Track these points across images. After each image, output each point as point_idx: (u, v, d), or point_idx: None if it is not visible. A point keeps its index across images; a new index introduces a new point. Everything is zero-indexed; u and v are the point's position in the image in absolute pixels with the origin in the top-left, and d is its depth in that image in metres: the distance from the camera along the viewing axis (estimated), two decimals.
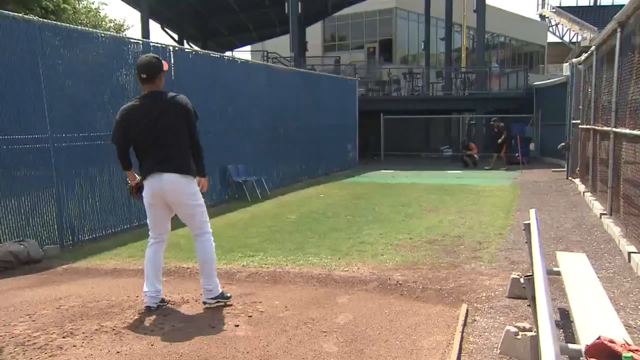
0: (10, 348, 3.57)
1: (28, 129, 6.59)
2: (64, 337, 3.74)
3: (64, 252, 6.77)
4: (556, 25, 48.34)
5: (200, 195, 4.44)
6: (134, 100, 4.40)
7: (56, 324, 4.02)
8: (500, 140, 17.32)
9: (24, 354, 3.48)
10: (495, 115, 18.94)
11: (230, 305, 4.43)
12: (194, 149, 4.44)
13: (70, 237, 7.18)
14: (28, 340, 3.69)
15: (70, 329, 3.91)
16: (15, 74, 6.48)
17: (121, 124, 4.32)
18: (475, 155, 18.34)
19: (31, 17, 7.00)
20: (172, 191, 4.29)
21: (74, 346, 3.59)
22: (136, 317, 4.18)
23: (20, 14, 7.02)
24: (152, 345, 3.62)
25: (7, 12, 6.70)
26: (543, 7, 49.71)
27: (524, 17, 41.58)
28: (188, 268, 5.81)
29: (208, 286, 4.41)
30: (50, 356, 3.43)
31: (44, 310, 4.36)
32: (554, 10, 48.27)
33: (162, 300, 4.46)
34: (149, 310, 4.31)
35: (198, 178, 4.45)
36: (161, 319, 4.13)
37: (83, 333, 3.84)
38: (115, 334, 3.83)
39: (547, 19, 48.53)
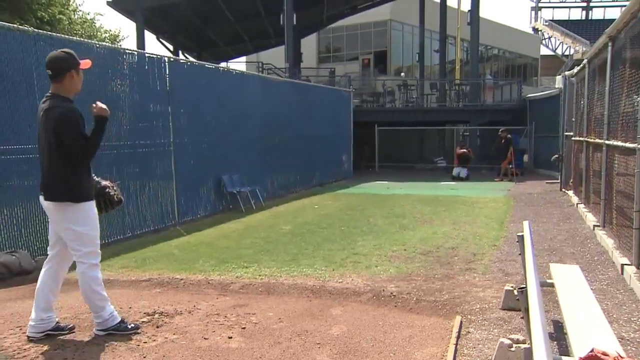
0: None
1: (21, 138, 6.56)
2: (55, 350, 3.71)
3: None
4: (549, 38, 48.87)
5: (88, 221, 3.89)
6: (43, 98, 3.97)
7: (47, 336, 3.98)
8: (509, 152, 17.17)
9: None
10: (489, 127, 18.99)
11: (137, 333, 4.04)
12: (76, 165, 3.83)
13: None
14: (18, 353, 3.66)
15: (62, 341, 3.88)
16: (11, 84, 6.47)
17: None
18: (464, 173, 18.06)
19: (26, 27, 7.00)
20: (51, 218, 3.98)
21: (65, 359, 3.56)
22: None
23: (15, 25, 7.01)
24: (144, 357, 3.59)
25: (1, 22, 6.71)
26: (536, 20, 50.32)
27: (518, 30, 42.04)
28: (182, 279, 5.79)
29: (96, 319, 4.00)
30: None
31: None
32: (547, 23, 48.84)
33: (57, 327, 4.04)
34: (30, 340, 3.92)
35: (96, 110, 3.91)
36: (154, 331, 4.11)
37: (75, 345, 3.81)
38: (107, 346, 3.80)
39: (540, 32, 49.07)
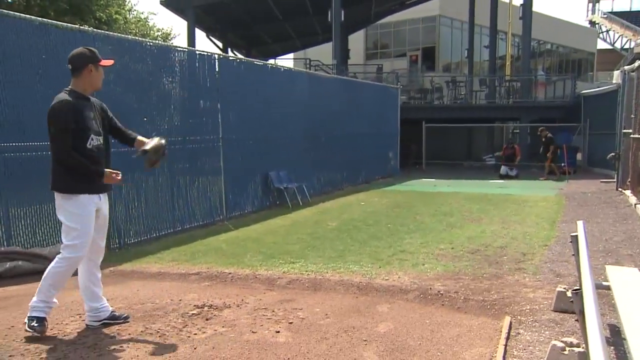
0: (62, 346, 3.70)
1: None
2: (111, 338, 3.85)
3: (110, 255, 6.94)
4: (607, 31, 46.99)
5: (74, 214, 3.86)
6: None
7: (104, 324, 4.14)
8: (550, 151, 16.75)
9: (75, 352, 3.60)
10: (540, 124, 18.48)
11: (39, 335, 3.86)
12: (64, 167, 3.86)
13: (116, 240, 7.38)
14: (79, 339, 3.82)
15: (117, 330, 4.02)
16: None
17: None
18: (513, 172, 17.65)
19: (86, 28, 7.27)
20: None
21: (121, 347, 3.69)
22: (179, 320, 4.26)
23: (76, 25, 7.30)
24: (195, 348, 3.68)
25: (67, 24, 7.01)
26: (593, 13, 48.45)
27: (572, 24, 40.64)
28: (230, 273, 5.89)
29: (34, 302, 3.90)
30: (98, 355, 3.54)
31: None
32: (605, 16, 46.96)
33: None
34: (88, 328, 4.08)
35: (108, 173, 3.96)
36: (203, 323, 4.20)
37: (129, 334, 3.94)
38: (159, 336, 3.91)
39: (597, 25, 47.24)
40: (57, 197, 3.92)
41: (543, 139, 17.06)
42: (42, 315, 3.88)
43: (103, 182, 3.96)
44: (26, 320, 3.87)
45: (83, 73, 3.91)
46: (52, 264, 3.93)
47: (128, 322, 4.18)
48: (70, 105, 3.80)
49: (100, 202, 4.04)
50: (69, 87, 3.94)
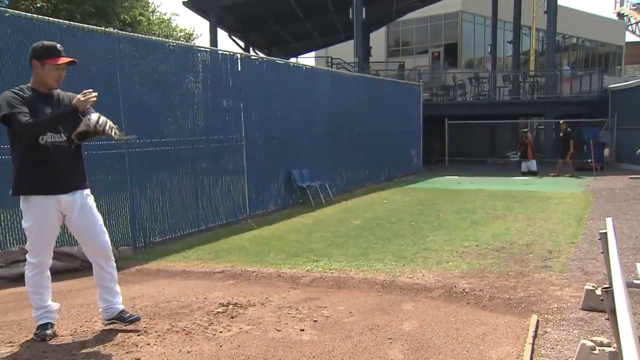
0: (92, 343, 3.77)
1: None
2: (138, 335, 3.91)
3: (136, 254, 7.07)
4: (636, 23, 45.90)
5: (28, 216, 3.74)
6: None
7: (112, 323, 4.18)
8: (570, 145, 16.49)
9: (104, 349, 3.66)
10: (564, 119, 18.19)
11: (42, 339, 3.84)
12: (36, 132, 3.62)
13: (142, 239, 7.48)
14: (106, 337, 3.88)
15: (144, 327, 4.08)
16: (97, 84, 6.86)
17: None
18: (534, 167, 17.38)
19: (111, 29, 7.38)
20: None
21: (148, 344, 3.74)
22: (205, 318, 4.30)
23: (102, 27, 7.41)
24: (220, 346, 3.71)
25: (93, 27, 7.13)
26: (621, 5, 47.30)
27: (599, 17, 39.82)
28: (254, 272, 5.93)
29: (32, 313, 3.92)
30: (126, 352, 3.60)
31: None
32: (634, 7, 45.83)
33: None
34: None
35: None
36: (229, 321, 4.24)
37: (156, 332, 3.99)
38: (185, 334, 3.96)
39: (625, 18, 46.16)
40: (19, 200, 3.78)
41: (561, 133, 16.77)
42: (44, 321, 3.87)
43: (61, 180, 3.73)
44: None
45: (32, 68, 3.74)
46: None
47: (136, 324, 4.04)
48: (10, 94, 3.59)
49: (63, 205, 3.79)
50: (30, 83, 3.78)
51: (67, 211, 3.81)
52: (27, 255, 3.84)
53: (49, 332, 3.85)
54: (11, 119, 3.53)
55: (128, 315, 4.06)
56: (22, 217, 3.82)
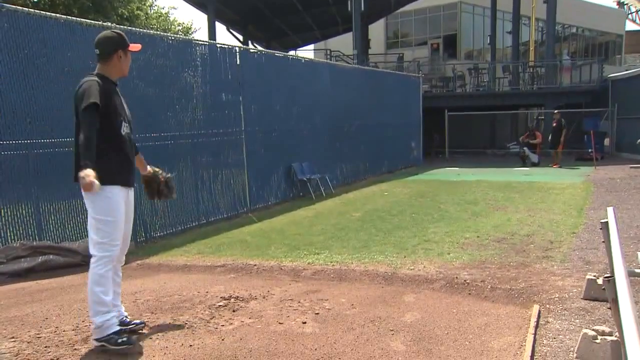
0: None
1: None
2: (140, 330, 3.91)
3: (137, 248, 7.07)
4: (637, 12, 45.68)
5: (107, 207, 3.52)
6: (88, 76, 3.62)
7: (133, 316, 4.19)
8: (563, 135, 16.46)
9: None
10: (566, 110, 18.15)
11: (125, 352, 3.49)
12: (80, 142, 3.37)
13: (143, 234, 7.48)
14: None
15: (146, 322, 4.08)
16: None
17: None
18: (536, 158, 17.35)
19: (108, 24, 7.35)
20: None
21: (151, 338, 3.75)
22: (206, 312, 4.31)
23: (99, 22, 7.39)
24: (222, 339, 3.72)
25: (90, 21, 7.10)
26: None
27: (599, 6, 39.60)
28: (255, 265, 5.93)
29: (93, 324, 3.53)
30: (128, 347, 3.60)
31: (122, 303, 4.56)
32: None
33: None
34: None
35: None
36: (230, 315, 4.24)
37: (158, 326, 4.00)
38: (187, 328, 3.96)
39: (625, 6, 45.92)
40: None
41: (554, 124, 16.69)
42: (117, 328, 3.55)
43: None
44: (97, 342, 3.51)
45: (112, 58, 3.64)
46: (89, 276, 3.53)
47: (141, 328, 3.87)
48: (98, 85, 3.46)
49: (129, 198, 3.79)
50: (95, 72, 3.65)
51: (127, 205, 3.74)
52: (96, 251, 3.50)
53: (134, 338, 3.62)
54: (91, 110, 3.36)
55: (130, 320, 3.88)
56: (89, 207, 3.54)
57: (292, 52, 26.20)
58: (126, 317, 3.88)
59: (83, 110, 3.36)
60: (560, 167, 16.09)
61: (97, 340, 3.50)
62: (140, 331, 3.87)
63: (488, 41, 27.93)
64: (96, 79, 3.54)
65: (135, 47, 3.78)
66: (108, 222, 3.52)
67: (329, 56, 24.23)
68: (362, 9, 20.25)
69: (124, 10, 20.87)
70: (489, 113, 22.41)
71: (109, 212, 3.52)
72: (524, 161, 17.06)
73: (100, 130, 3.40)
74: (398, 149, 16.79)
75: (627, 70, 20.78)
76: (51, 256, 5.97)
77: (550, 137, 16.99)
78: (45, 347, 3.62)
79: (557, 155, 16.62)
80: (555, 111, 17.22)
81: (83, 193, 3.38)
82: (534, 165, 16.93)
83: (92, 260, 3.51)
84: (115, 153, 3.59)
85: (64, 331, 3.91)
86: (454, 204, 9.62)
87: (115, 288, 3.76)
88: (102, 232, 3.52)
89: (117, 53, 3.65)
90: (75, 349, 3.58)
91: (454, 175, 14.88)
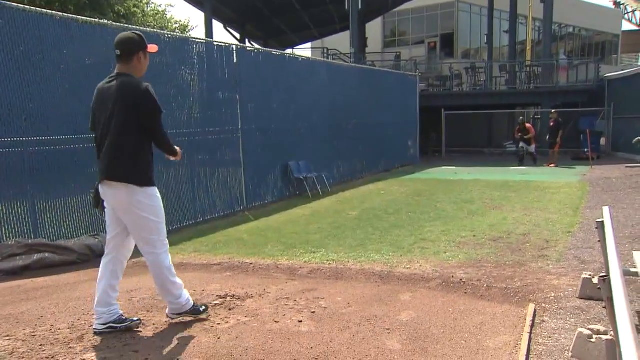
0: (89, 336, 3.76)
1: None
2: (136, 328, 3.90)
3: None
4: (633, 12, 45.80)
5: (156, 207, 3.77)
6: (105, 79, 3.80)
7: (129, 314, 4.18)
8: (560, 135, 16.46)
9: (101, 341, 3.66)
10: (563, 109, 18.17)
11: (206, 319, 4.03)
12: (159, 149, 3.82)
13: None
14: (106, 329, 3.87)
15: (142, 320, 4.07)
16: (94, 76, 6.82)
17: (91, 107, 3.84)
18: (533, 148, 17.25)
19: (105, 21, 7.33)
20: (116, 202, 3.71)
21: (146, 337, 3.74)
22: (208, 307, 4.29)
23: (96, 20, 7.36)
24: (218, 338, 3.71)
25: (87, 18, 7.08)
26: None
27: (595, 5, 39.67)
28: (251, 263, 5.93)
29: (169, 304, 3.96)
30: (124, 345, 3.59)
31: (118, 302, 4.55)
32: None
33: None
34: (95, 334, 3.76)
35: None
36: (227, 313, 4.24)
37: (154, 324, 3.99)
38: (183, 326, 3.95)
39: (622, 6, 46.02)
40: (136, 191, 3.64)
41: (552, 123, 16.67)
42: (188, 304, 3.99)
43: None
44: (175, 315, 3.97)
45: (133, 60, 3.74)
46: (151, 270, 3.88)
47: (137, 325, 3.90)
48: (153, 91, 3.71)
49: None
50: (119, 72, 3.74)
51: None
52: (156, 249, 3.81)
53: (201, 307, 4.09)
54: (157, 118, 3.73)
55: (126, 317, 3.91)
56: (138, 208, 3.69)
57: (289, 51, 26.16)
58: (122, 315, 3.88)
59: (157, 115, 3.73)
60: (557, 166, 16.12)
61: (180, 314, 3.96)
62: (136, 329, 3.87)
63: (485, 40, 27.96)
64: (142, 81, 3.73)
65: (152, 48, 3.87)
66: (160, 220, 3.81)
67: (326, 55, 24.21)
68: (360, 7, 20.25)
69: (120, 8, 20.79)
70: (486, 112, 22.44)
71: (160, 210, 3.80)
72: (521, 161, 17.05)
73: (142, 133, 3.67)
74: (395, 148, 16.80)
75: (623, 70, 20.82)
76: (47, 254, 5.95)
77: (547, 137, 16.99)
78: (40, 345, 3.61)
79: (554, 154, 16.65)
80: (553, 111, 17.23)
81: (135, 195, 3.65)
82: (533, 158, 16.86)
83: (154, 258, 3.82)
84: (151, 156, 3.82)
85: (59, 329, 3.90)
86: (450, 203, 9.63)
87: (115, 282, 3.88)
88: (158, 230, 3.79)
89: (137, 54, 3.76)
90: (70, 347, 3.57)
91: (450, 174, 14.90)
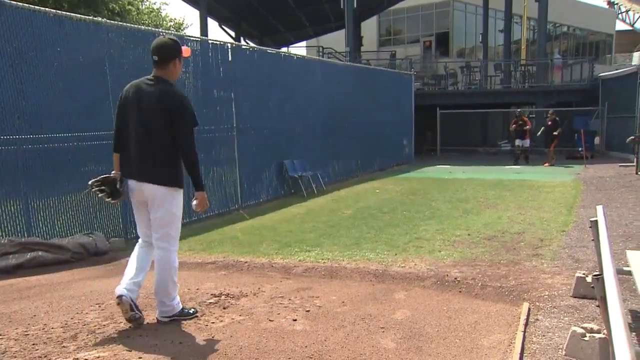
0: (83, 335, 3.75)
1: (97, 125, 6.89)
2: (130, 327, 3.89)
3: (128, 245, 7.01)
4: (626, 12, 45.98)
5: (179, 207, 4.00)
6: (139, 80, 3.96)
7: (120, 314, 4.17)
8: (556, 133, 16.52)
9: (95, 340, 3.64)
10: (557, 108, 18.21)
11: (195, 317, 4.06)
12: (184, 159, 3.91)
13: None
14: (98, 328, 3.87)
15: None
16: (87, 74, 6.80)
17: (120, 101, 3.98)
18: (527, 142, 17.21)
19: (99, 19, 7.30)
20: (153, 198, 3.89)
21: (140, 336, 3.73)
22: (197, 309, 4.28)
23: (90, 17, 7.32)
24: (212, 337, 3.71)
25: (81, 16, 7.04)
26: None
27: (590, 5, 39.78)
28: (246, 262, 5.92)
29: (160, 306, 3.99)
30: (118, 344, 3.58)
31: (112, 300, 4.52)
32: None
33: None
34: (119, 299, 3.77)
35: (196, 194, 4.00)
36: (221, 312, 4.23)
37: (148, 323, 3.98)
38: (177, 325, 3.94)
39: (616, 6, 46.20)
40: (173, 193, 3.90)
41: (549, 122, 16.69)
42: (178, 307, 4.05)
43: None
44: (166, 318, 3.96)
45: (169, 65, 3.90)
46: (159, 261, 3.93)
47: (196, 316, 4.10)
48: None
49: None
50: (156, 75, 3.90)
51: None
52: (171, 245, 3.96)
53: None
54: (192, 132, 3.93)
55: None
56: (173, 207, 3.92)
57: (284, 49, 26.13)
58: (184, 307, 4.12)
59: (190, 127, 3.89)
60: (552, 165, 16.17)
61: (171, 317, 3.97)
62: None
63: (480, 39, 28.01)
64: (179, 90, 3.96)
65: (186, 51, 4.02)
66: (179, 220, 4.04)
67: (321, 53, 24.18)
68: (355, 6, 20.23)
69: (115, 5, 20.70)
70: (480, 111, 22.48)
71: (181, 211, 4.04)
72: (516, 160, 17.09)
73: (173, 138, 3.83)
74: (390, 147, 16.80)
75: (617, 69, 20.89)
76: (40, 253, 5.91)
77: (544, 136, 17.02)
78: (33, 344, 3.59)
79: (549, 153, 16.70)
80: (550, 110, 17.26)
81: (168, 195, 3.87)
82: (525, 156, 16.91)
83: (166, 254, 3.93)
84: (180, 159, 3.96)
85: (52, 328, 3.88)
86: (445, 202, 9.65)
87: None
88: (177, 229, 4.01)
89: (174, 60, 3.93)
90: (63, 347, 3.55)
91: (445, 173, 14.92)
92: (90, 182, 3.98)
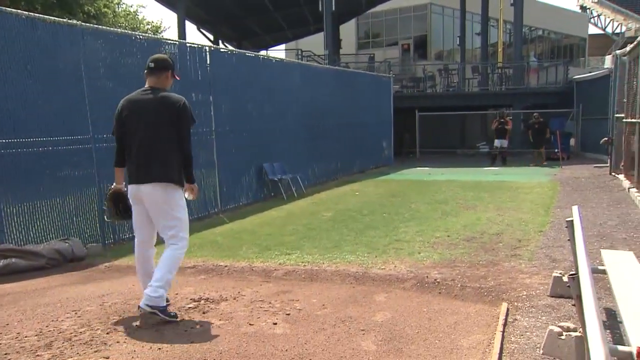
0: (58, 343, 3.68)
1: (73, 130, 6.78)
2: (107, 333, 3.83)
3: (105, 250, 6.94)
4: (598, 16, 46.89)
5: (184, 205, 4.20)
6: (134, 93, 4.20)
7: (100, 320, 4.12)
8: (547, 135, 16.84)
9: (71, 348, 3.58)
10: (534, 110, 18.46)
11: (179, 322, 4.05)
12: (184, 153, 4.12)
13: (111, 236, 7.35)
14: (74, 336, 3.80)
15: (113, 325, 4.00)
16: (62, 78, 6.69)
17: (118, 117, 4.18)
18: (505, 143, 17.49)
19: (74, 21, 7.18)
20: (154, 198, 4.07)
21: (118, 342, 3.67)
22: (177, 314, 4.24)
23: (64, 19, 7.21)
24: (192, 342, 3.67)
25: (55, 18, 6.93)
26: None
27: (563, 9, 40.52)
28: (226, 266, 5.88)
29: (150, 293, 3.97)
30: (95, 351, 3.52)
31: (89, 307, 4.47)
32: (595, 0, 46.79)
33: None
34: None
35: (186, 185, 4.21)
36: (200, 316, 4.19)
37: (126, 329, 3.92)
38: (155, 330, 3.89)
39: (588, 10, 47.10)
40: (171, 191, 4.09)
41: (536, 125, 16.98)
42: (164, 303, 4.07)
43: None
44: (149, 308, 3.94)
45: (163, 75, 4.22)
46: (171, 252, 4.12)
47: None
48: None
49: None
50: (152, 86, 4.17)
51: None
52: (180, 241, 4.14)
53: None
54: (190, 128, 4.20)
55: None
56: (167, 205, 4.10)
57: (263, 52, 26.07)
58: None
59: (190, 124, 4.17)
60: (541, 165, 16.41)
61: (153, 309, 3.95)
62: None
63: (457, 42, 28.30)
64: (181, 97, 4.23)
65: (177, 76, 4.46)
66: (185, 211, 4.23)
67: (300, 56, 24.19)
68: (333, 9, 20.29)
69: (90, 8, 20.42)
70: (459, 113, 22.67)
71: (186, 208, 4.24)
72: (493, 161, 17.30)
73: (174, 140, 4.09)
74: (369, 149, 16.86)
75: (590, 72, 21.26)
76: (13, 259, 5.79)
77: (532, 138, 17.23)
78: (5, 354, 3.51)
79: (540, 155, 16.96)
80: (536, 113, 17.49)
81: (175, 193, 4.12)
82: (503, 158, 17.17)
83: (176, 246, 4.13)
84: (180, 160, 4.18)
85: (25, 337, 3.80)
86: (424, 204, 9.71)
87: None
88: (186, 225, 4.21)
89: (167, 72, 4.26)
90: (37, 355, 3.48)
91: (424, 175, 15.02)
92: (106, 200, 4.44)
